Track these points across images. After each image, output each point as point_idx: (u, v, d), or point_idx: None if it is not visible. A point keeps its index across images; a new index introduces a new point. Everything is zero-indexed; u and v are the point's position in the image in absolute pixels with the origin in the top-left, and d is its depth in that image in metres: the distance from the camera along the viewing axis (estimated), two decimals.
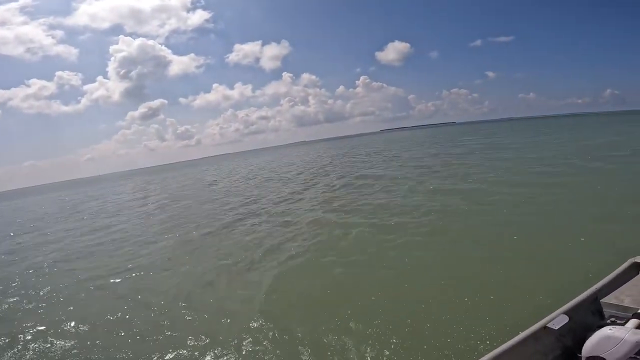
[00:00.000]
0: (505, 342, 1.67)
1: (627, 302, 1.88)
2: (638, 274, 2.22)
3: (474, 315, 3.32)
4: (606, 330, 1.45)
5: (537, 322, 1.78)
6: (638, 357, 1.47)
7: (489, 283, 3.95)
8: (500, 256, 4.75)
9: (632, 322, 1.59)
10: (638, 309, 1.71)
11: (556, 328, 1.73)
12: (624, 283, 2.12)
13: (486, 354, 1.61)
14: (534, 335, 1.72)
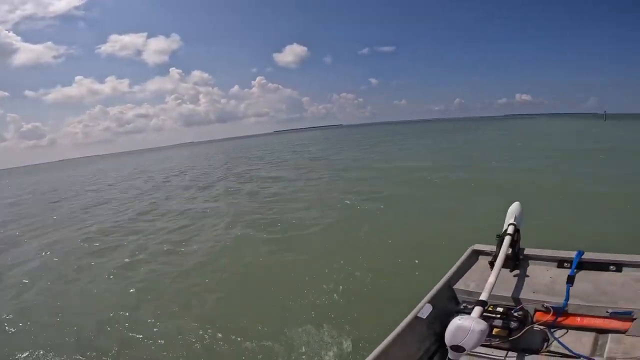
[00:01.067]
0: (389, 333, 1.78)
1: (472, 287, 2.16)
2: (478, 259, 2.55)
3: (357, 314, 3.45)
4: (457, 321, 1.50)
5: (409, 313, 1.92)
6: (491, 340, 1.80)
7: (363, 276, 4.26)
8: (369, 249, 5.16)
9: (476, 310, 1.67)
10: (481, 294, 1.83)
11: (424, 317, 1.90)
12: (469, 269, 2.43)
13: (373, 349, 1.69)
14: (409, 326, 1.85)
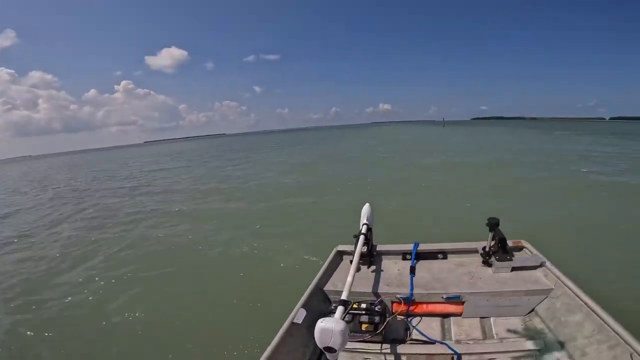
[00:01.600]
0: (269, 343, 1.76)
1: (339, 287, 2.22)
2: (342, 259, 2.68)
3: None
4: (320, 324, 1.46)
5: (286, 319, 1.91)
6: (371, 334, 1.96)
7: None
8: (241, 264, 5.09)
9: (339, 310, 1.63)
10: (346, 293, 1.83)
11: (300, 322, 1.91)
12: (335, 270, 2.54)
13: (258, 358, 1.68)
14: (288, 332, 1.84)
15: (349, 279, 1.85)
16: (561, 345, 1.82)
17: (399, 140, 32.26)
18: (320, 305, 2.22)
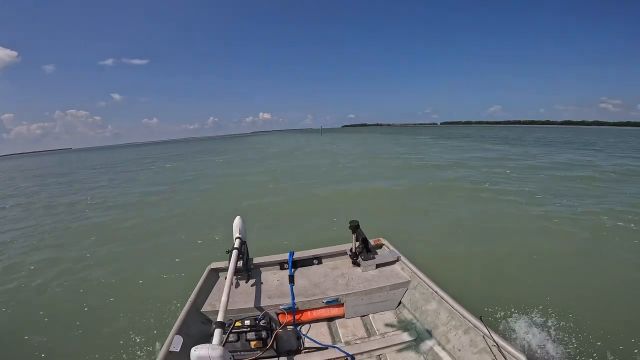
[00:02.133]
0: None
1: (218, 307, 1.95)
2: (219, 277, 2.50)
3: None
4: (194, 352, 1.38)
5: (161, 348, 1.75)
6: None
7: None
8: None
9: (216, 334, 1.57)
10: (224, 314, 1.75)
11: (178, 350, 1.73)
12: (212, 289, 2.35)
13: None
14: None
15: (224, 298, 1.79)
16: (430, 334, 1.98)
17: (292, 149, 30.25)
18: (201, 328, 2.05)
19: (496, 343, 1.60)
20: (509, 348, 1.56)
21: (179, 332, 1.83)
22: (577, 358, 2.50)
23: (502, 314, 2.99)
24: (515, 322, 2.87)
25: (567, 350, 2.57)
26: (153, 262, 4.88)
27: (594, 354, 2.55)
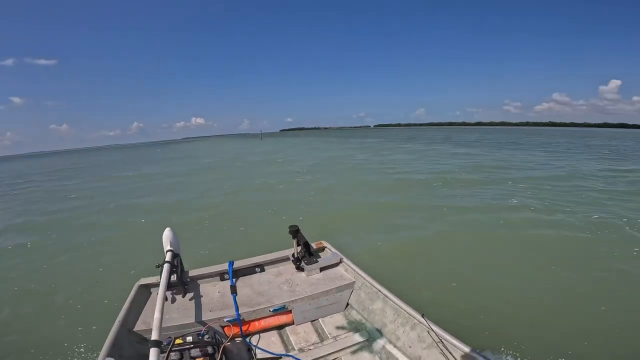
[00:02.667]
0: None
1: (152, 325, 1.85)
2: (150, 293, 2.31)
3: None
4: None
5: None
6: None
7: None
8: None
9: (152, 353, 1.42)
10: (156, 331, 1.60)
11: None
12: (144, 306, 2.17)
13: None
14: None
15: (157, 314, 1.65)
16: (380, 333, 2.03)
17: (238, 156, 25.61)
18: (137, 348, 1.88)
19: (440, 338, 1.66)
20: (453, 341, 1.61)
21: (110, 355, 1.66)
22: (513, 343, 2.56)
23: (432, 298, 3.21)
24: (447, 309, 2.96)
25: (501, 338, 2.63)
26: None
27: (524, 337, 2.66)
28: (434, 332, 1.71)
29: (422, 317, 1.80)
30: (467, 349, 1.55)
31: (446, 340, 1.65)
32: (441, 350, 1.65)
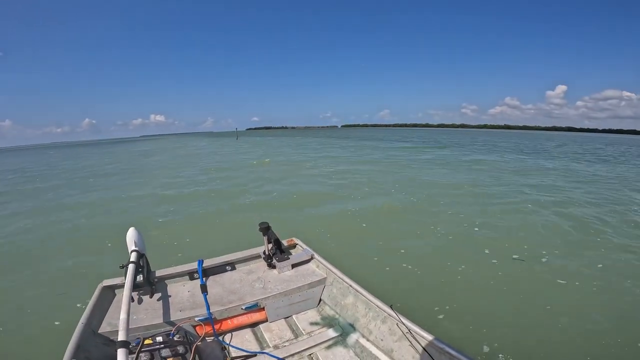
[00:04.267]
0: None
1: (118, 326, 1.82)
2: (114, 294, 2.26)
3: None
4: None
5: None
6: None
7: None
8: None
9: (120, 354, 1.39)
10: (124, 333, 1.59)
11: None
12: (109, 308, 2.12)
13: None
14: None
15: (123, 315, 1.64)
16: (353, 327, 2.07)
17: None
18: (103, 350, 1.83)
19: (409, 329, 1.74)
20: (421, 332, 1.70)
21: (75, 356, 1.58)
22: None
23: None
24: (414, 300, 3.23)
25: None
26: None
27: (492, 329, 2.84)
28: (403, 324, 1.77)
29: (391, 308, 1.88)
30: (432, 338, 1.64)
31: (414, 331, 1.72)
32: (410, 342, 1.73)
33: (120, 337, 1.48)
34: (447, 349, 1.56)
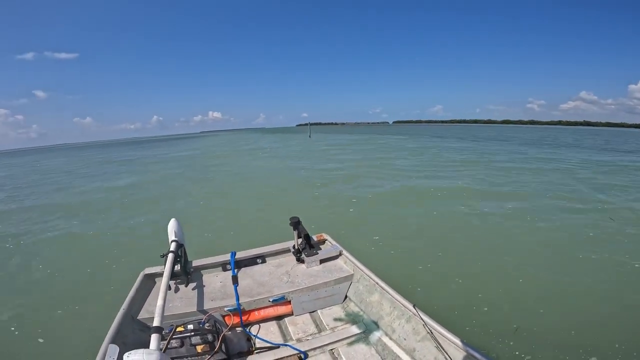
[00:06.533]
0: None
1: (154, 313, 1.91)
2: (154, 282, 2.36)
3: None
4: (126, 359, 1.26)
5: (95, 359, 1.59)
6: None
7: None
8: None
9: (153, 339, 1.43)
10: (170, 320, 1.76)
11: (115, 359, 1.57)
12: (148, 295, 2.22)
13: None
14: None
15: (159, 302, 1.70)
16: (377, 325, 2.06)
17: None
18: (139, 336, 1.92)
19: (430, 330, 1.70)
20: (445, 333, 1.64)
21: (114, 341, 1.66)
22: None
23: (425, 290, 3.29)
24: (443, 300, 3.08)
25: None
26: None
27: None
28: (427, 324, 1.74)
29: (414, 307, 1.85)
30: (457, 341, 1.58)
31: (438, 332, 1.67)
32: (434, 342, 1.68)
33: (155, 322, 1.52)
34: (475, 353, 1.47)
